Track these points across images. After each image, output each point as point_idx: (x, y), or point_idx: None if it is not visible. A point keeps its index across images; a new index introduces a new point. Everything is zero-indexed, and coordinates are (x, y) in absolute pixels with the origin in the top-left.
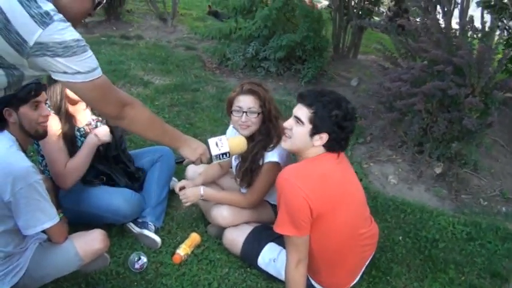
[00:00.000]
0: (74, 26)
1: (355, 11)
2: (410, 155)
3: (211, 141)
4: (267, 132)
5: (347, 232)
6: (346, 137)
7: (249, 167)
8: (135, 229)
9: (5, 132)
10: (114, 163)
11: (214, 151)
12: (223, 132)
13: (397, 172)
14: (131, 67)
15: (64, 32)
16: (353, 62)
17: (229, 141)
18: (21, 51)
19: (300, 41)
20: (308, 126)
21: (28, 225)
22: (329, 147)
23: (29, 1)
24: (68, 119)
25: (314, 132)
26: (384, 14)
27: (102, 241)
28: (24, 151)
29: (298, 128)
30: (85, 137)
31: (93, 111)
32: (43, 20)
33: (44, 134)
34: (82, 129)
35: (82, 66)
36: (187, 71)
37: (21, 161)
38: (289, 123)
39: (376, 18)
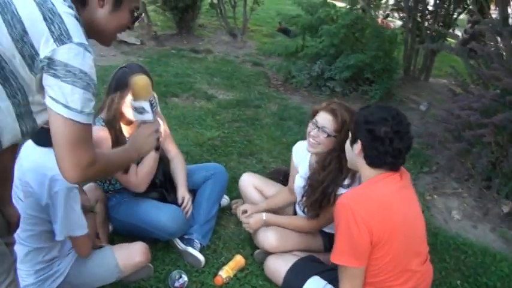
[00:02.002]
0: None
1: (428, 32)
2: (477, 190)
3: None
4: (338, 162)
5: (397, 265)
6: (387, 151)
7: (319, 199)
8: (180, 245)
9: None
10: (165, 178)
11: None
12: (281, 152)
13: (461, 207)
14: (197, 80)
15: (76, 57)
16: (424, 85)
17: (135, 89)
18: (32, 65)
19: (369, 62)
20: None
21: (61, 231)
22: (371, 162)
23: (53, 15)
24: (118, 137)
25: (351, 140)
26: (460, 36)
27: (143, 254)
28: None
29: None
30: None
31: None
32: (61, 37)
33: None
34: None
35: (71, 99)
36: (251, 86)
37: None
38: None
39: (451, 40)
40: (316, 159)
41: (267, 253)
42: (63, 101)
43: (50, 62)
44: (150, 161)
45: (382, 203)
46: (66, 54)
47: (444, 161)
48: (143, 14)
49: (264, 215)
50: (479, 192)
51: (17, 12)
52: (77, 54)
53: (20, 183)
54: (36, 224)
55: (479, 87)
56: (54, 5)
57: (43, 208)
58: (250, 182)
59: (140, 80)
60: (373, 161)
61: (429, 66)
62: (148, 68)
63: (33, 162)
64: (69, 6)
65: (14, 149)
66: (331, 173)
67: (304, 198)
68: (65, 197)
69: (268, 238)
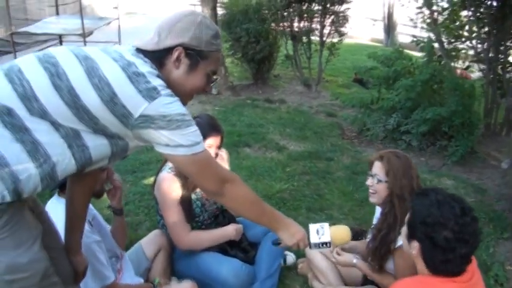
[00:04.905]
0: (186, 101)
1: (511, 84)
2: None
3: (312, 227)
4: (391, 210)
5: None
6: (449, 259)
7: (378, 247)
8: None
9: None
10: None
11: (314, 239)
12: (352, 209)
13: None
14: (269, 131)
15: (170, 106)
16: (505, 140)
17: (332, 230)
18: (126, 122)
19: (447, 116)
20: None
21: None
22: (430, 268)
23: (138, 76)
24: (186, 182)
25: (407, 234)
26: None
27: None
28: None
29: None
30: (200, 201)
31: None
32: (150, 94)
33: (102, 194)
34: (198, 192)
35: (185, 139)
36: (324, 138)
37: None
38: None
39: None
40: (381, 210)
41: None
42: (179, 143)
43: (148, 118)
44: (219, 237)
45: None
46: (161, 107)
47: None
48: (219, 79)
49: (354, 258)
50: None
51: (104, 76)
52: (169, 103)
53: None
54: None
55: None
56: (137, 67)
57: None
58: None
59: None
60: (433, 268)
61: (511, 121)
62: (222, 117)
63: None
64: (152, 67)
65: (85, 196)
66: (386, 220)
67: (369, 246)
68: (87, 252)
69: None
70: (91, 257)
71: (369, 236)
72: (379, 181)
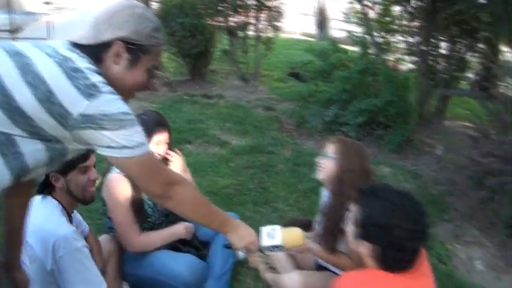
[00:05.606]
0: (126, 98)
1: (441, 75)
2: (500, 239)
3: (264, 230)
4: (340, 187)
5: None
6: (403, 258)
7: (329, 227)
8: None
9: (48, 198)
10: None
11: (264, 242)
12: (297, 200)
13: (484, 257)
14: (210, 126)
15: (112, 104)
16: (438, 128)
17: (284, 233)
18: (64, 123)
19: (383, 106)
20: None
21: None
22: (383, 268)
23: (76, 72)
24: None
25: (356, 233)
26: (472, 79)
27: None
28: (69, 215)
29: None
30: (152, 200)
31: None
32: (90, 91)
33: (91, 200)
34: None
35: (129, 140)
36: (264, 132)
37: (61, 228)
38: None
39: (463, 83)
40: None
41: None
42: (123, 145)
43: (88, 117)
44: (169, 236)
45: None
46: (102, 105)
47: (465, 209)
48: (161, 74)
49: (309, 243)
50: (502, 241)
51: (39, 72)
52: (110, 101)
53: (26, 246)
54: None
55: (498, 132)
56: (74, 63)
57: (49, 273)
58: None
59: (302, 239)
60: (384, 266)
61: (443, 109)
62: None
63: (36, 225)
64: (89, 63)
65: (23, 209)
66: (334, 198)
67: (319, 230)
68: (73, 260)
69: (293, 280)
70: (79, 266)
71: (317, 222)
72: (329, 158)
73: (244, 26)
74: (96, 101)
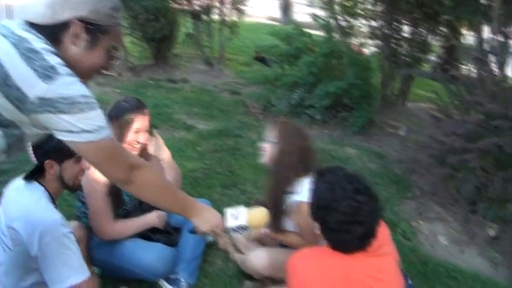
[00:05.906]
0: (85, 80)
1: (403, 58)
2: (463, 215)
3: (228, 211)
4: (279, 169)
5: None
6: (348, 240)
7: (273, 209)
8: (167, 287)
9: (34, 183)
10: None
11: (230, 223)
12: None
13: (447, 232)
14: (176, 111)
15: (71, 87)
16: (401, 110)
17: (249, 213)
18: (21, 107)
19: (347, 89)
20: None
21: (54, 280)
22: (333, 248)
23: (32, 53)
24: None
25: (311, 212)
26: (434, 61)
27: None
28: (54, 201)
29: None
30: None
31: None
32: (47, 74)
33: (78, 188)
34: None
35: (89, 124)
36: (230, 116)
37: (49, 214)
38: None
39: (425, 65)
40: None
41: (256, 283)
42: (82, 129)
43: (46, 101)
44: (142, 224)
45: (343, 276)
46: (61, 88)
47: (428, 186)
48: (121, 56)
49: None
50: (464, 217)
51: None
52: (69, 84)
53: (8, 230)
54: (28, 274)
55: (461, 112)
56: (30, 43)
57: (32, 259)
58: None
59: (266, 218)
60: (333, 247)
61: (406, 91)
62: None
63: (22, 210)
64: (46, 43)
65: None
66: (273, 180)
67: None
68: (59, 245)
69: (261, 258)
70: (64, 250)
71: None
72: (269, 142)
73: (208, 10)
74: (54, 83)
